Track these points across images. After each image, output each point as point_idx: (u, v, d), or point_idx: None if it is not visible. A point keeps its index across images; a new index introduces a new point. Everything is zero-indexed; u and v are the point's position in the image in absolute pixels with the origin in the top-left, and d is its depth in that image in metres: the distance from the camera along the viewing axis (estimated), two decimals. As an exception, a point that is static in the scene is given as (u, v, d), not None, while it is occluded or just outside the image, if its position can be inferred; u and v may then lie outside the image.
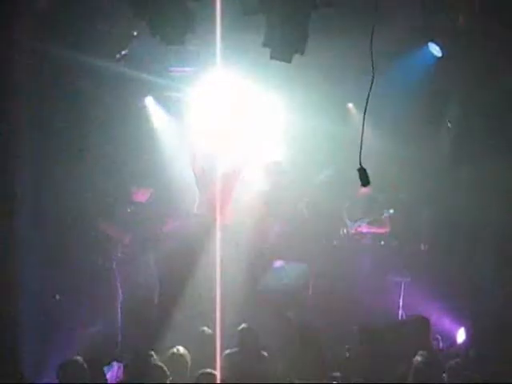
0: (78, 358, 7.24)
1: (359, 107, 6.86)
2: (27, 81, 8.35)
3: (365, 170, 6.84)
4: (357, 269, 11.81)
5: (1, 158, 7.91)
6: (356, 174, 6.77)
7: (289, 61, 7.42)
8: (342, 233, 11.94)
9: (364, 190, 11.29)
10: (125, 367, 8.44)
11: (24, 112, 8.36)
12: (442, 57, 9.96)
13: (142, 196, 10.73)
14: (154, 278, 10.92)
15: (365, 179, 6.87)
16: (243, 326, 9.97)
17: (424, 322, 8.29)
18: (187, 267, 11.93)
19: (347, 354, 8.60)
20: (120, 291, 9.95)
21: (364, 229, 11.82)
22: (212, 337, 8.14)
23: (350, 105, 12.69)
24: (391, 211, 11.57)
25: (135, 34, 9.98)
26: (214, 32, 9.18)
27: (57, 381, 7.15)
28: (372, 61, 6.63)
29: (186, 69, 12.30)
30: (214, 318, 10.94)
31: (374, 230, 11.83)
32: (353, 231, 11.85)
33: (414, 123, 12.06)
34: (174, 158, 12.66)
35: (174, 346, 7.69)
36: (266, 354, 8.16)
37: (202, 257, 11.67)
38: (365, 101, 6.62)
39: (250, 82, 12.47)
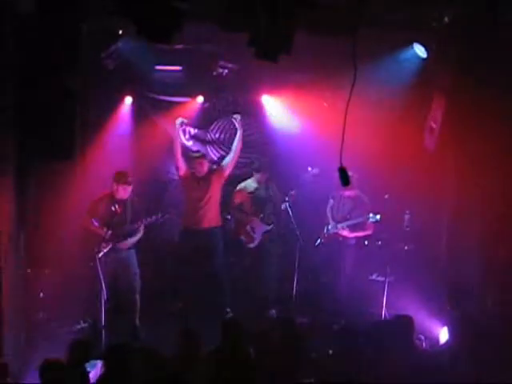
0: (59, 358, 7.23)
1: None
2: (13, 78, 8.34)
3: (345, 169, 6.86)
4: (340, 267, 11.83)
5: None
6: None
7: (275, 60, 7.44)
8: (325, 231, 11.94)
9: (350, 190, 11.35)
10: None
11: (8, 110, 8.33)
12: (426, 58, 9.99)
13: (123, 192, 10.70)
14: (134, 274, 10.96)
15: (345, 179, 6.89)
16: (227, 318, 10.03)
17: (407, 322, 8.30)
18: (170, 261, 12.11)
19: (330, 352, 8.61)
20: (104, 289, 9.93)
21: (345, 233, 11.78)
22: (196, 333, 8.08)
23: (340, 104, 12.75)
24: (377, 217, 11.52)
25: (120, 32, 9.96)
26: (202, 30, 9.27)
27: (39, 381, 7.14)
28: (354, 61, 6.65)
29: (174, 68, 12.33)
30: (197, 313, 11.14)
31: (355, 234, 11.82)
32: (334, 232, 11.82)
33: (399, 124, 12.14)
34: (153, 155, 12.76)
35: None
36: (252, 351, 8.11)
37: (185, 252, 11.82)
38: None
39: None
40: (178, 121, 11.57)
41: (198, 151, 12.71)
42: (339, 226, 11.77)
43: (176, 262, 12.13)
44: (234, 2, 7.48)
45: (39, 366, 7.05)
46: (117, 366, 7.07)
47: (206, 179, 11.63)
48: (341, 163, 6.83)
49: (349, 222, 11.73)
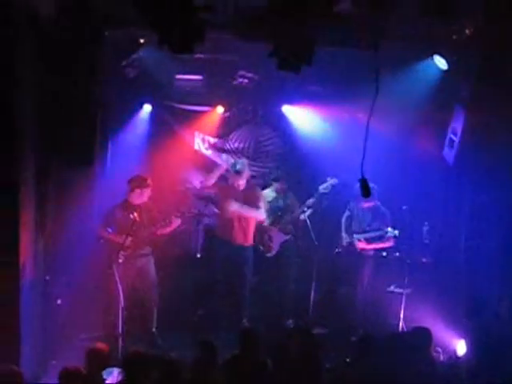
0: (79, 366, 7.25)
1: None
2: (34, 86, 8.39)
3: (366, 181, 6.86)
4: (358, 278, 11.79)
5: (6, 171, 7.92)
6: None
7: (297, 72, 7.45)
8: (342, 242, 11.90)
9: (369, 202, 11.31)
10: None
11: (30, 120, 8.38)
12: (447, 70, 9.97)
13: (139, 197, 10.73)
14: (153, 280, 10.99)
15: (366, 190, 6.89)
16: (244, 326, 10.02)
17: (425, 334, 8.29)
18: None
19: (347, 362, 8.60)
20: (121, 296, 9.94)
21: (362, 244, 11.70)
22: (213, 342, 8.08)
23: (360, 114, 12.79)
24: (396, 232, 11.44)
25: (142, 41, 10.00)
26: (224, 40, 9.30)
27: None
28: (377, 74, 6.66)
29: (194, 77, 12.37)
30: (216, 323, 11.13)
31: (372, 246, 11.72)
32: (351, 243, 11.79)
33: (418, 136, 12.13)
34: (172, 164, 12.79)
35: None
36: (268, 361, 8.10)
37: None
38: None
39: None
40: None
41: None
42: (355, 237, 11.71)
43: (199, 272, 12.07)
44: (256, 13, 7.52)
45: (58, 374, 7.07)
46: (135, 373, 7.09)
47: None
48: (362, 175, 6.82)
49: (366, 235, 11.67)
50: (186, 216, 11.15)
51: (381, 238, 11.58)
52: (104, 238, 10.73)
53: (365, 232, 11.69)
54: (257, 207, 11.61)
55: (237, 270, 11.67)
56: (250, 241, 11.73)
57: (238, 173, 11.48)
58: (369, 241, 11.64)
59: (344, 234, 11.91)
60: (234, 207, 11.23)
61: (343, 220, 12.01)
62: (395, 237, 11.48)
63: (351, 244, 11.73)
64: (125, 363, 7.38)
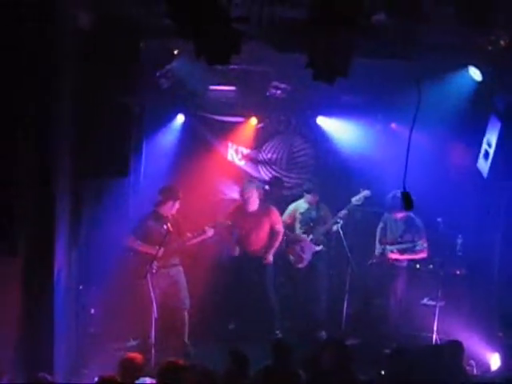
0: (114, 375, 7.28)
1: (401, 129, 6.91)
2: (72, 98, 8.45)
3: (408, 194, 6.84)
4: (391, 290, 11.73)
5: (43, 180, 7.99)
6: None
7: (332, 83, 7.45)
8: (376, 253, 11.86)
9: (403, 212, 11.27)
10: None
11: (67, 131, 8.45)
12: (482, 81, 9.92)
13: (170, 208, 10.78)
14: (184, 290, 11.01)
15: (408, 203, 6.87)
16: (278, 338, 9.98)
17: (458, 347, 8.23)
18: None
19: (382, 374, 8.54)
20: (154, 305, 9.97)
21: (395, 255, 11.63)
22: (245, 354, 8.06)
23: (393, 125, 12.78)
24: (425, 245, 11.41)
25: (176, 52, 10.05)
26: (257, 51, 9.32)
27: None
28: (418, 86, 6.66)
29: (227, 88, 12.41)
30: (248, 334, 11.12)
31: (405, 257, 11.65)
32: (385, 255, 11.72)
33: (453, 147, 12.08)
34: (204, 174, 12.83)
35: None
36: (301, 372, 8.08)
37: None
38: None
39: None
40: None
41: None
42: (388, 248, 11.66)
43: (228, 282, 12.09)
44: (291, 24, 7.53)
45: (95, 382, 7.12)
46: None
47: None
48: (404, 188, 6.82)
49: (398, 246, 11.62)
50: (219, 227, 11.13)
51: (413, 249, 11.50)
52: (134, 250, 10.76)
53: (398, 243, 11.62)
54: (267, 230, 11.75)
55: (258, 278, 11.70)
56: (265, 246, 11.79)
57: (245, 200, 11.62)
58: (401, 252, 11.58)
59: (378, 245, 11.86)
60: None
61: (378, 231, 11.97)
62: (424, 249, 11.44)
63: (384, 255, 11.67)
64: (160, 373, 7.40)
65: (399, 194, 11.02)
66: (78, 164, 8.82)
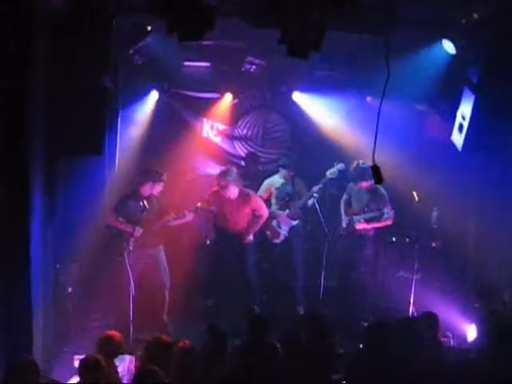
0: (98, 354, 7.28)
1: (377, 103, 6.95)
2: (45, 74, 8.39)
3: (378, 167, 6.85)
4: (361, 260, 11.80)
5: (16, 158, 7.92)
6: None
7: (306, 57, 7.45)
8: (343, 225, 11.91)
9: (367, 181, 11.35)
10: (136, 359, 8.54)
11: (40, 108, 8.38)
12: (455, 54, 9.93)
13: (152, 189, 10.74)
14: (163, 271, 11.01)
15: (378, 177, 6.88)
16: (254, 313, 10.03)
17: (433, 319, 8.28)
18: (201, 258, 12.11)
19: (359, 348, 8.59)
20: (132, 284, 9.98)
21: (362, 225, 11.69)
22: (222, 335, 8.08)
23: (369, 99, 12.81)
24: (391, 213, 11.48)
25: (149, 28, 9.99)
26: (231, 27, 9.28)
27: (77, 376, 7.22)
28: (387, 60, 6.66)
29: (202, 64, 12.36)
30: (226, 310, 11.14)
31: (372, 225, 11.70)
32: (352, 226, 11.78)
33: (427, 120, 12.14)
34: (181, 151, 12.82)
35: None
36: (278, 345, 8.10)
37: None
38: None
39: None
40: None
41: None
42: (355, 218, 11.73)
43: (208, 260, 12.09)
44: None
45: (78, 363, 7.12)
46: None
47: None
48: (373, 161, 6.82)
49: (365, 216, 11.67)
50: (199, 211, 11.08)
51: (380, 218, 11.58)
52: (115, 227, 10.74)
53: (364, 213, 11.70)
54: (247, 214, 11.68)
55: (238, 256, 11.71)
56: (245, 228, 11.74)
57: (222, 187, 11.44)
58: (368, 221, 11.65)
59: (344, 217, 11.94)
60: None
61: (342, 203, 12.06)
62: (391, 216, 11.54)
63: (351, 226, 11.75)
64: (147, 349, 7.41)
65: (362, 164, 11.26)
66: (51, 142, 8.76)
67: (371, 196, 11.69)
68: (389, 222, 11.62)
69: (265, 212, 11.72)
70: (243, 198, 11.51)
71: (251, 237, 11.66)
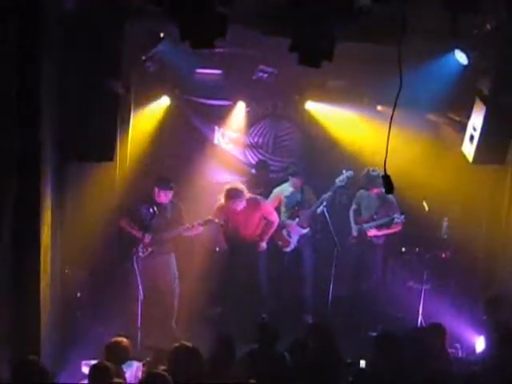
0: (106, 360, 7.29)
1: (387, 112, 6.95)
2: (56, 81, 8.42)
3: (389, 177, 6.83)
4: (370, 268, 11.81)
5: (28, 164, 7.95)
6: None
7: (317, 66, 7.46)
8: (353, 233, 11.93)
9: (377, 188, 11.37)
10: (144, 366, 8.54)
11: (52, 113, 8.41)
12: (468, 64, 9.92)
13: (164, 197, 10.72)
14: (173, 278, 11.00)
15: (389, 187, 6.86)
16: (263, 321, 10.01)
17: (440, 330, 8.27)
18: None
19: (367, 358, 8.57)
20: (140, 290, 9.98)
21: (372, 232, 11.73)
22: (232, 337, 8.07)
23: (379, 107, 12.80)
24: (402, 217, 11.52)
25: (162, 35, 10.00)
26: (244, 35, 9.29)
27: (85, 381, 7.24)
28: (400, 70, 6.66)
29: (214, 71, 12.37)
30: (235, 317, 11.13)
31: (382, 232, 11.75)
32: (363, 233, 11.79)
33: (439, 131, 12.13)
34: (191, 159, 12.83)
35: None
36: (286, 354, 8.12)
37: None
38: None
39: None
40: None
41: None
42: (365, 226, 11.74)
43: (218, 268, 12.04)
44: (276, 8, 7.52)
45: (89, 370, 7.11)
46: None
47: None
48: (385, 170, 6.80)
49: (375, 223, 11.72)
50: (209, 224, 11.04)
51: (391, 223, 11.58)
52: (126, 232, 10.75)
53: (374, 220, 11.73)
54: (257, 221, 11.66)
55: (249, 265, 11.69)
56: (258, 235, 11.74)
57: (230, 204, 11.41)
58: (379, 228, 11.67)
59: (354, 226, 11.97)
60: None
61: (351, 213, 12.12)
62: (402, 222, 11.55)
63: (362, 234, 11.80)
64: (172, 357, 7.36)
65: (372, 171, 11.30)
66: (63, 147, 8.80)
67: (381, 203, 11.73)
68: (398, 228, 11.66)
69: (275, 218, 11.73)
70: (252, 205, 11.49)
71: (264, 244, 11.67)
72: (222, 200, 11.40)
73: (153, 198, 10.70)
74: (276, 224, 11.73)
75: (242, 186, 11.49)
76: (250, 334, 8.42)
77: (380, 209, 11.72)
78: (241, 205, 11.36)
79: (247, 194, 11.45)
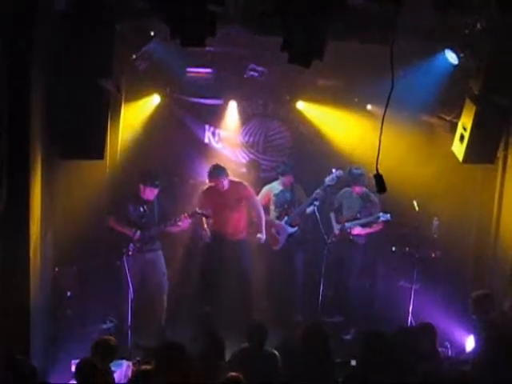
0: (93, 358, 7.28)
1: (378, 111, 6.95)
2: (47, 79, 8.40)
3: (381, 176, 6.82)
4: (350, 265, 11.84)
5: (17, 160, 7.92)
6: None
7: (308, 66, 7.46)
8: (335, 231, 11.93)
9: (359, 187, 11.38)
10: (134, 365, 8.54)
11: (42, 112, 8.39)
12: (458, 64, 9.94)
13: (149, 194, 10.70)
14: (162, 275, 10.99)
15: (381, 186, 6.85)
16: (253, 320, 10.02)
17: (430, 329, 8.27)
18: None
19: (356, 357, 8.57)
20: (130, 288, 9.96)
21: (357, 230, 11.72)
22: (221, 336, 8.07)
23: (369, 107, 12.81)
24: (388, 216, 11.49)
25: (152, 34, 9.98)
26: (234, 34, 9.29)
27: (73, 380, 7.22)
28: (392, 69, 6.67)
29: (204, 70, 12.36)
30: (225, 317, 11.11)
31: (366, 231, 11.75)
32: (344, 233, 11.80)
33: (429, 131, 12.15)
34: (181, 157, 12.83)
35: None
36: (276, 353, 8.13)
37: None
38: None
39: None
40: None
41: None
42: (347, 225, 11.76)
43: (205, 266, 12.02)
44: (268, 7, 7.51)
45: (75, 366, 7.10)
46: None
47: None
48: (377, 170, 6.80)
49: (358, 222, 11.73)
50: (197, 216, 11.03)
51: (377, 221, 11.62)
52: (116, 231, 10.73)
53: (356, 219, 11.75)
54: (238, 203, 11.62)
55: (235, 264, 11.66)
56: (243, 235, 11.74)
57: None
58: (363, 226, 11.72)
59: (335, 225, 11.97)
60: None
61: (331, 216, 12.11)
62: (388, 220, 11.56)
63: (344, 232, 11.80)
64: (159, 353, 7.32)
65: (355, 169, 11.32)
66: (52, 144, 8.78)
67: (363, 203, 11.73)
68: (380, 227, 11.69)
69: (255, 201, 11.75)
70: (234, 186, 11.51)
71: (263, 236, 11.63)
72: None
73: (139, 196, 10.68)
74: (262, 212, 11.72)
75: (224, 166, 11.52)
76: (240, 333, 8.42)
77: (362, 209, 11.72)
78: (225, 183, 11.36)
79: (231, 177, 11.49)
